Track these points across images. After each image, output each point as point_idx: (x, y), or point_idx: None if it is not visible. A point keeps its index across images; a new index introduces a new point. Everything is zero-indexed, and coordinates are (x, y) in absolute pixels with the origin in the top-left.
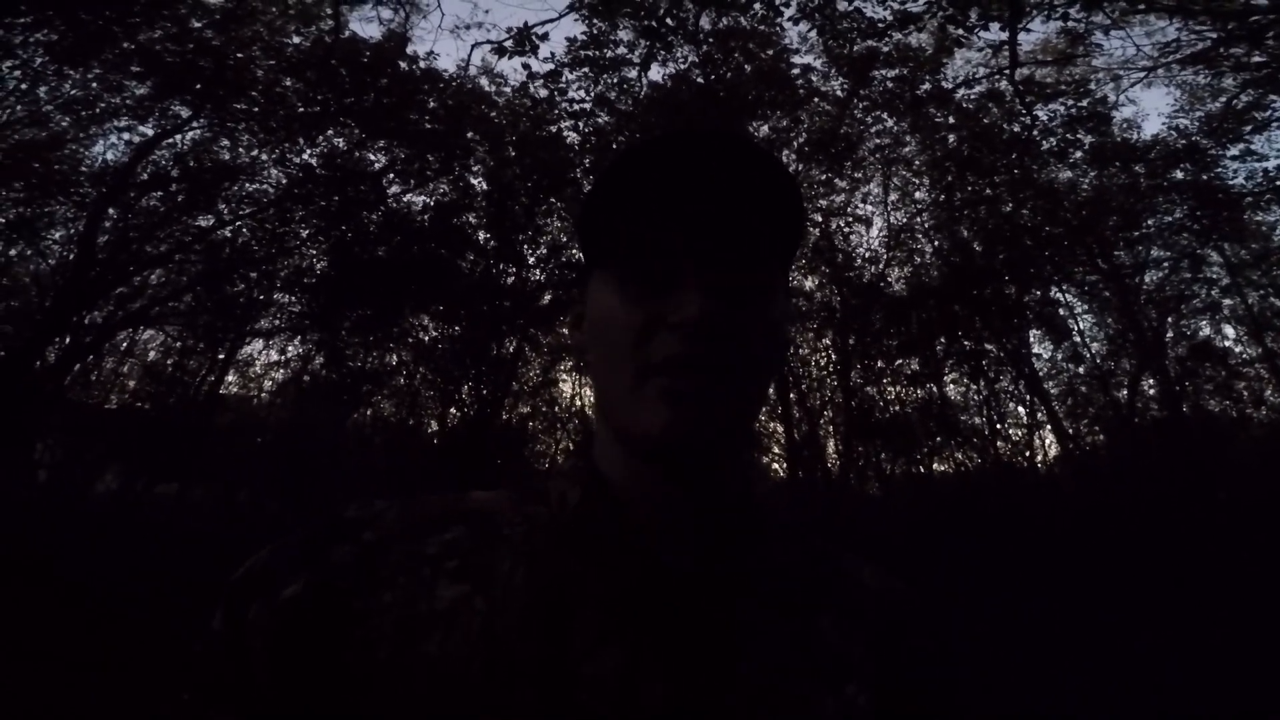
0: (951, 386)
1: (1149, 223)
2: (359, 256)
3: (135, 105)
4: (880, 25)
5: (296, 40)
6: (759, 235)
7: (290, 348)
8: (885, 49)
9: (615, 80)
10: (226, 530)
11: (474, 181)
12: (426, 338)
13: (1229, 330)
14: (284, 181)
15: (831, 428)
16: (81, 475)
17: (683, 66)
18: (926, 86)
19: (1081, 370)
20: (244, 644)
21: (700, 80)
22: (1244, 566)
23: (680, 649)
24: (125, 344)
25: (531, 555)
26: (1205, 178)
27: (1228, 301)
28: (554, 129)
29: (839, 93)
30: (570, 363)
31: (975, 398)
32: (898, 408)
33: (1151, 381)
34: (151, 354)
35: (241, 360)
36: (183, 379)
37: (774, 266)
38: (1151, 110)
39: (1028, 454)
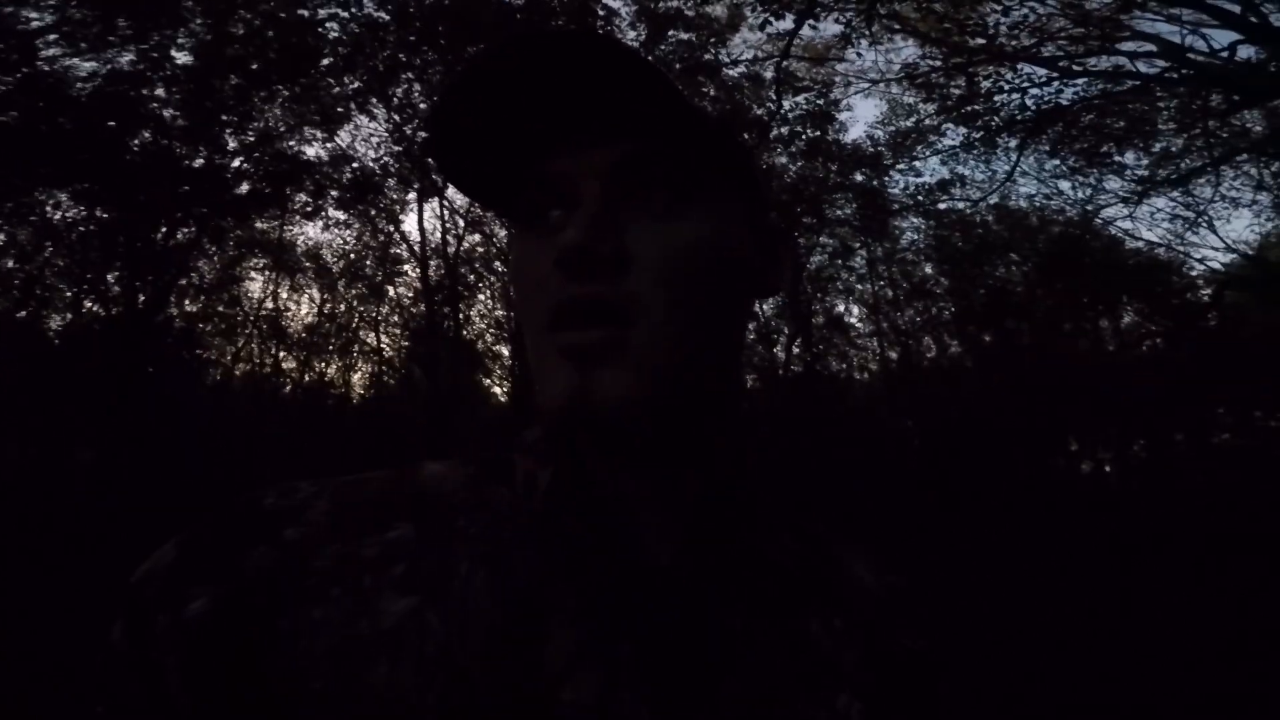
0: None
1: (827, 214)
2: None
3: None
4: None
5: None
6: (645, 140)
7: None
8: (689, 11)
9: None
10: None
11: (177, 55)
12: (60, 216)
13: (855, 309)
14: None
15: None
16: None
17: None
18: (709, 56)
19: (751, 327)
20: (152, 660)
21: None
22: (848, 485)
23: (662, 664)
24: None
25: (493, 555)
26: (874, 183)
27: (860, 287)
28: (306, 13)
29: (633, 43)
30: (263, 260)
31: None
32: None
33: (798, 343)
34: None
35: None
36: None
37: (674, 174)
38: (860, 118)
39: None
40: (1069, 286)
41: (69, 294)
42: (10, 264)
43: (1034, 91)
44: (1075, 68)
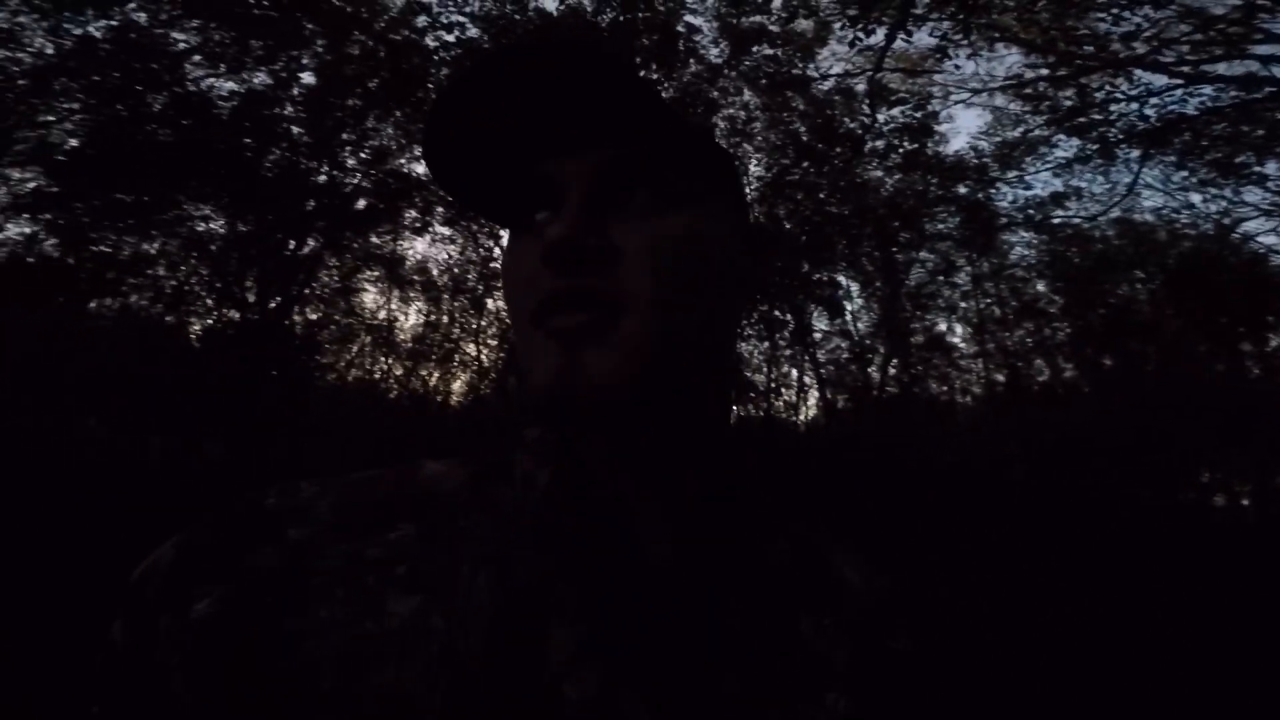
0: (742, 344)
1: (927, 229)
2: (132, 137)
3: None
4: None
5: None
6: (629, 144)
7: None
8: (773, 27)
9: None
10: None
11: (302, 75)
12: (204, 228)
13: (958, 328)
14: (49, 51)
15: None
16: None
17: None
18: (796, 70)
19: (845, 345)
20: (154, 662)
21: (591, 15)
22: (957, 517)
23: (661, 661)
24: None
25: (494, 555)
26: (979, 196)
27: (964, 304)
28: (410, 34)
29: (715, 59)
30: (377, 272)
31: (760, 357)
32: None
33: (894, 363)
34: None
35: None
36: None
37: (658, 176)
38: (963, 129)
39: (796, 413)
40: (1201, 306)
41: (209, 300)
42: (161, 272)
43: (1154, 100)
44: (1202, 73)
